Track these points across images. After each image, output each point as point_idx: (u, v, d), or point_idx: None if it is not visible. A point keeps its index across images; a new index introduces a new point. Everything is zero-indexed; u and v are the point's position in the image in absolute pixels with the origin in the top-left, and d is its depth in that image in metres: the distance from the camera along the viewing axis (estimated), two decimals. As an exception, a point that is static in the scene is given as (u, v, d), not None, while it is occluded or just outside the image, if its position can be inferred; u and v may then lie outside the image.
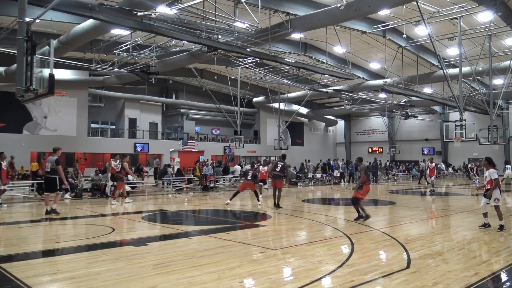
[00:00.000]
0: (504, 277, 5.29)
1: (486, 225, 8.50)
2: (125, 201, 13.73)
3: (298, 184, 23.55)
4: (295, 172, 25.18)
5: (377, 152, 45.47)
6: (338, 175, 26.40)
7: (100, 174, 17.06)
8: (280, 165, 12.40)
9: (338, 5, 15.50)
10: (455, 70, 22.86)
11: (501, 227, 8.25)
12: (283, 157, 13.00)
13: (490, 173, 8.31)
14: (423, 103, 33.21)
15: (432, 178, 18.83)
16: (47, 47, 8.46)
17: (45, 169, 11.17)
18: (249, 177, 13.25)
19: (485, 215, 8.49)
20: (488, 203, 8.39)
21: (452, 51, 23.77)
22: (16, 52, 8.14)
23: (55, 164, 10.47)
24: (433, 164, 19.34)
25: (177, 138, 36.75)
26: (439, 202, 15.17)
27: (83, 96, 29.43)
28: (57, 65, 16.36)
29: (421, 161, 30.50)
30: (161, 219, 10.72)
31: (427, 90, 31.24)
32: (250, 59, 22.06)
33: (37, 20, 9.19)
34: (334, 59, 25.51)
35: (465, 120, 20.82)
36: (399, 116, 35.72)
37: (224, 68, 26.37)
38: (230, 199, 13.30)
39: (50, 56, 8.09)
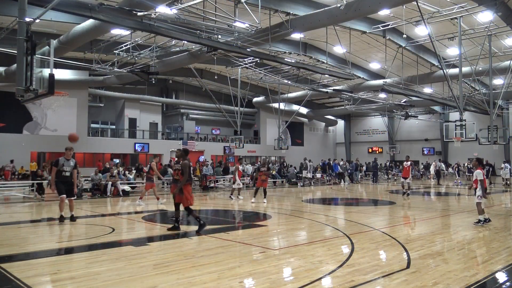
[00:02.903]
0: (504, 277, 5.29)
1: (486, 220, 9.02)
2: (159, 202, 13.46)
3: (298, 184, 23.53)
4: (295, 172, 25.18)
5: (377, 152, 45.45)
6: (311, 176, 25.21)
7: (100, 174, 17.05)
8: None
9: (338, 5, 15.50)
10: (455, 70, 22.86)
11: (479, 221, 8.96)
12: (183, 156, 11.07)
13: (477, 174, 9.10)
14: (423, 103, 33.19)
15: (408, 180, 16.28)
16: (47, 47, 8.46)
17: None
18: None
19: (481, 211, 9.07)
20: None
21: (452, 51, 23.76)
22: (16, 52, 8.13)
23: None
24: (409, 163, 16.56)
25: (177, 138, 36.72)
26: (439, 202, 15.15)
27: (83, 96, 29.41)
28: (57, 65, 16.37)
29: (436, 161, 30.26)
30: (161, 219, 10.72)
31: (427, 90, 31.23)
32: (250, 59, 22.04)
33: (37, 20, 9.18)
34: (334, 59, 25.50)
35: (465, 120, 20.80)
36: (399, 116, 35.68)
37: (224, 68, 26.36)
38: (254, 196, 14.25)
39: (50, 56, 8.08)
